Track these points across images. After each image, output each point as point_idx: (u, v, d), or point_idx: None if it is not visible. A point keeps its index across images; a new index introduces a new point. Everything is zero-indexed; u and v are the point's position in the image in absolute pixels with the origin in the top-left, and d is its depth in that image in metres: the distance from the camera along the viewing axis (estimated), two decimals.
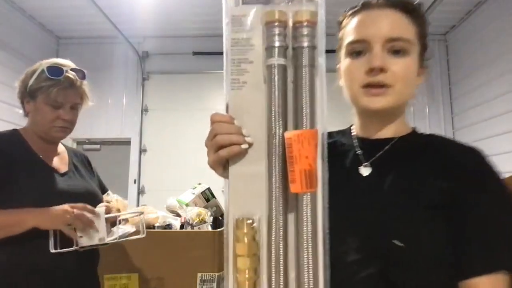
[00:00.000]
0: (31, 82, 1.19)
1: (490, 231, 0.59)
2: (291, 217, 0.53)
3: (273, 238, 0.51)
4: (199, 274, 1.58)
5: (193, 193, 1.93)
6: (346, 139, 0.76)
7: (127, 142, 4.27)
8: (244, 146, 0.53)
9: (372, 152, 0.70)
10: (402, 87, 0.65)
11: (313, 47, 0.54)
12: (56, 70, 1.17)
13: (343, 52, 0.71)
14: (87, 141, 4.17)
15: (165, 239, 1.63)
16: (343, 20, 0.73)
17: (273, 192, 0.52)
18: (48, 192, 1.11)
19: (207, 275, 1.57)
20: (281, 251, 0.51)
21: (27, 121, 1.24)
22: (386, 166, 0.67)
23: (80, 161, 1.32)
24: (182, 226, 1.73)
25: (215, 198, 1.95)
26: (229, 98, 0.57)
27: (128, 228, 1.14)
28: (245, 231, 0.52)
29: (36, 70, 1.20)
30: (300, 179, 0.50)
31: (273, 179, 0.52)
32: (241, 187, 0.55)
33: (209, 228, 1.69)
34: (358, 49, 0.67)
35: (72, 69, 1.20)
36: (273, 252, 0.51)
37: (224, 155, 0.55)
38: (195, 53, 4.26)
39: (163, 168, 4.11)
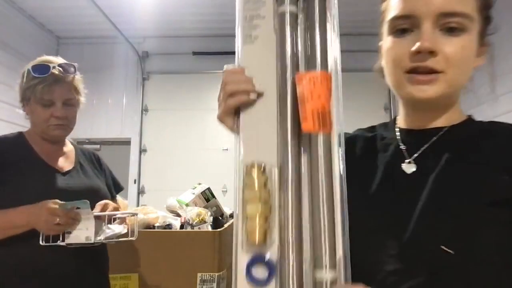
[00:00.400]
0: (23, 84, 1.18)
1: None
2: (304, 163, 0.49)
3: (286, 183, 0.48)
4: (199, 274, 1.57)
5: (193, 193, 1.93)
6: (388, 132, 0.66)
7: (127, 142, 4.27)
8: (252, 95, 0.50)
9: (417, 145, 0.60)
10: (456, 73, 0.55)
11: None
12: (40, 68, 1.15)
13: (385, 28, 0.62)
14: (87, 141, 4.17)
15: (165, 239, 1.63)
16: None
17: (285, 136, 0.49)
18: (45, 192, 1.09)
19: (207, 275, 1.57)
20: (294, 196, 0.47)
21: (31, 126, 1.25)
22: (433, 161, 0.57)
23: (88, 159, 1.32)
24: (182, 226, 1.73)
25: (215, 198, 1.95)
26: (241, 53, 0.56)
27: (120, 229, 1.11)
28: (256, 176, 0.48)
29: (25, 71, 1.19)
30: (312, 118, 0.47)
31: (285, 123, 0.49)
32: (252, 136, 0.52)
33: (209, 228, 1.69)
34: (403, 26, 0.57)
35: (60, 64, 1.17)
36: (289, 195, 0.47)
37: (232, 103, 0.52)
38: (195, 53, 4.26)
39: (163, 168, 4.11)
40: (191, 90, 4.25)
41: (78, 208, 1.05)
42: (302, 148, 0.50)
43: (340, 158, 0.48)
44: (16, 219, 1.04)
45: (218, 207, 1.93)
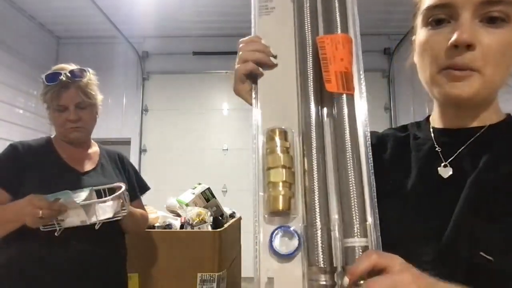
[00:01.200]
0: (41, 94, 1.25)
1: None
2: (327, 127, 0.48)
3: (311, 148, 0.45)
4: (199, 274, 1.58)
5: (193, 193, 1.93)
6: (421, 132, 0.62)
7: (127, 142, 4.27)
8: (268, 59, 0.50)
9: (453, 146, 0.55)
10: (494, 72, 0.50)
11: None
12: (52, 76, 1.21)
13: (419, 19, 0.56)
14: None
15: (165, 239, 1.63)
16: None
17: (308, 99, 0.48)
18: (60, 190, 1.14)
19: (207, 275, 1.57)
20: (320, 159, 0.45)
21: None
22: (470, 164, 0.53)
23: (112, 160, 1.37)
24: (182, 226, 1.73)
25: (215, 198, 1.95)
26: (257, 24, 0.56)
27: (113, 208, 1.13)
28: (278, 141, 0.47)
29: (43, 79, 1.25)
30: (336, 79, 0.46)
31: (308, 85, 0.48)
32: (272, 102, 0.51)
33: (209, 228, 1.69)
34: (439, 16, 0.52)
35: (71, 70, 1.23)
36: (314, 160, 0.45)
37: (246, 68, 0.50)
38: (195, 53, 4.27)
39: (163, 168, 4.11)
40: (191, 90, 4.25)
41: (59, 199, 1.07)
42: (324, 112, 0.49)
43: (365, 119, 0.47)
44: (7, 214, 1.09)
45: (218, 207, 1.93)
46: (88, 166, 1.28)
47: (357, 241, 0.41)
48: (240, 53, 0.51)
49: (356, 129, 0.46)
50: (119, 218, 1.15)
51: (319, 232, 0.42)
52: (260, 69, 0.51)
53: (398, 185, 0.56)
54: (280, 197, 0.44)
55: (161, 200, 1.94)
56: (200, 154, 4.12)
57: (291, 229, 0.43)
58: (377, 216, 0.43)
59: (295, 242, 0.43)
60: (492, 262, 0.46)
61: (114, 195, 1.16)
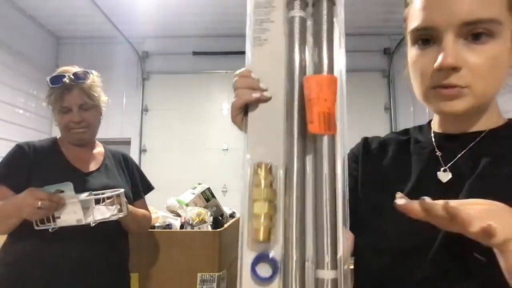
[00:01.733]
0: (46, 96, 1.27)
1: None
2: (309, 165, 0.51)
3: (291, 183, 0.50)
4: (199, 274, 1.58)
5: (193, 193, 1.93)
6: (423, 136, 0.64)
7: (127, 142, 4.27)
8: (254, 94, 0.51)
9: (453, 151, 0.57)
10: (483, 85, 0.51)
11: (332, 2, 0.54)
12: (55, 79, 1.23)
13: (408, 37, 0.58)
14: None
15: (165, 239, 1.63)
16: None
17: (291, 137, 0.51)
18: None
19: (207, 275, 1.57)
20: (298, 196, 0.49)
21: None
22: (470, 168, 0.54)
23: (116, 161, 1.39)
24: (182, 226, 1.73)
25: (215, 198, 1.95)
26: (250, 54, 0.58)
27: (111, 211, 1.14)
28: (263, 175, 0.50)
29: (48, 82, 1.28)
30: (319, 120, 0.49)
31: (292, 125, 0.52)
32: (260, 136, 0.54)
33: (209, 228, 1.69)
34: (425, 37, 0.54)
35: (74, 73, 1.25)
36: (294, 196, 0.49)
37: (237, 103, 0.53)
38: (195, 53, 4.27)
39: (163, 168, 4.11)
40: (191, 90, 4.25)
41: (62, 191, 1.08)
42: (307, 149, 0.52)
43: (344, 160, 0.50)
44: (7, 208, 1.10)
45: (218, 207, 1.93)
46: (92, 167, 1.30)
47: (326, 273, 0.46)
48: (235, 88, 0.54)
49: (335, 167, 0.50)
50: (114, 219, 1.15)
51: (294, 262, 0.47)
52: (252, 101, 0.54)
53: (398, 188, 0.56)
54: (261, 229, 0.48)
55: (161, 200, 1.94)
56: (200, 154, 4.12)
57: (270, 256, 0.48)
58: (348, 250, 0.46)
59: (273, 268, 0.48)
60: (483, 263, 0.46)
61: (111, 192, 1.16)
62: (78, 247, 1.15)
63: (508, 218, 0.40)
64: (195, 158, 4.11)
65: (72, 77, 1.23)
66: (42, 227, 1.08)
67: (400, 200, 0.42)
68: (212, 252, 1.59)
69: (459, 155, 0.56)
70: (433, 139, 0.60)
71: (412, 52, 0.57)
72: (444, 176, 0.55)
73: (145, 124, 4.33)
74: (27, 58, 3.81)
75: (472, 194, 0.49)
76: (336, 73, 0.52)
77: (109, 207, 1.15)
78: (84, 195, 1.13)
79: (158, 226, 1.72)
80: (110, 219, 1.13)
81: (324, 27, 0.54)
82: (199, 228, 1.69)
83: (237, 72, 0.55)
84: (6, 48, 3.54)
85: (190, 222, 1.73)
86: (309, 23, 0.56)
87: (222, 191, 3.88)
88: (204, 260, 1.58)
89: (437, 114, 0.60)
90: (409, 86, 0.61)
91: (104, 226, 1.14)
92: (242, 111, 0.53)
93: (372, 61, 4.20)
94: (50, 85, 1.23)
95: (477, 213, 0.39)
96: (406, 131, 0.68)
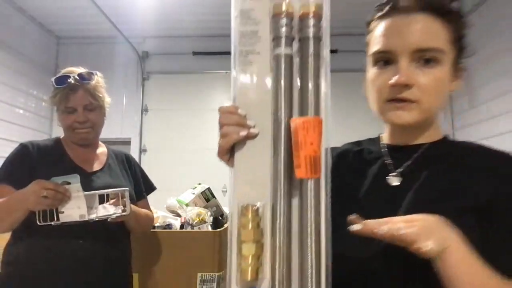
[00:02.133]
0: (50, 97, 1.28)
1: None
2: (295, 205, 0.53)
3: (277, 225, 0.52)
4: (199, 274, 1.58)
5: (193, 193, 1.93)
6: (375, 147, 0.73)
7: (127, 142, 4.27)
8: (242, 133, 0.53)
9: (401, 160, 0.67)
10: (430, 101, 0.62)
11: (318, 38, 0.55)
12: (60, 79, 1.24)
13: (369, 60, 0.67)
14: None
15: (165, 239, 1.63)
16: (370, 21, 0.69)
17: (278, 179, 0.53)
18: None
19: (207, 275, 1.57)
20: (284, 237, 0.52)
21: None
22: (415, 175, 0.64)
23: (119, 161, 1.40)
24: (182, 226, 1.73)
25: (215, 198, 1.95)
26: (237, 88, 0.58)
27: (114, 210, 1.14)
28: (250, 217, 0.52)
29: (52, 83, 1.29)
30: (305, 165, 0.50)
31: (278, 165, 0.53)
32: (246, 175, 0.55)
33: (209, 228, 1.69)
34: (384, 59, 0.64)
35: (79, 74, 1.26)
36: (277, 238, 0.52)
37: (225, 144, 0.55)
38: (195, 53, 4.26)
39: (163, 168, 4.10)
40: (191, 90, 4.25)
41: (69, 183, 1.08)
42: (293, 190, 0.54)
43: (328, 202, 0.53)
44: (12, 201, 1.11)
45: (218, 207, 1.93)
46: (96, 167, 1.31)
47: None
48: (221, 126, 0.56)
49: (319, 210, 0.52)
50: (117, 216, 1.16)
51: None
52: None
53: (354, 194, 0.67)
54: (249, 270, 0.51)
55: (161, 200, 1.94)
56: (200, 154, 4.12)
57: None
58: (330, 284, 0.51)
59: None
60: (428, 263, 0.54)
61: (116, 190, 1.17)
62: (81, 245, 1.16)
63: (441, 232, 0.51)
64: (195, 158, 4.11)
65: (77, 77, 1.24)
66: (44, 223, 1.08)
67: (353, 227, 0.51)
68: (212, 252, 1.59)
69: (406, 164, 0.66)
70: (383, 150, 0.71)
71: (371, 71, 0.66)
72: (393, 180, 0.66)
73: (145, 124, 4.33)
74: (27, 58, 3.81)
75: (417, 196, 0.62)
76: (322, 112, 0.54)
77: (112, 202, 1.15)
78: (88, 193, 1.13)
79: (158, 226, 1.72)
80: (113, 216, 1.14)
81: (310, 65, 0.55)
82: (199, 228, 1.69)
83: (223, 108, 0.57)
84: (6, 48, 3.54)
85: (190, 222, 1.73)
86: (295, 59, 0.56)
87: (222, 191, 3.87)
88: (204, 260, 1.58)
89: (390, 125, 0.70)
90: (367, 102, 0.69)
91: (107, 225, 1.14)
92: (230, 150, 0.55)
93: None
94: (55, 86, 1.24)
95: (415, 233, 0.50)
96: (359, 143, 0.78)
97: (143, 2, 3.57)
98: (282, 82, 0.55)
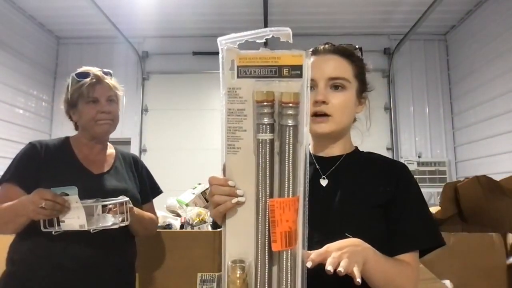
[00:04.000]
0: (69, 93, 1.29)
1: (411, 223, 0.81)
2: (275, 268, 0.63)
3: (258, 286, 0.62)
4: (199, 274, 1.58)
5: (193, 193, 1.93)
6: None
7: (127, 142, 4.27)
8: (234, 200, 0.64)
9: (326, 167, 0.88)
10: (341, 116, 0.84)
11: (296, 126, 0.61)
12: (82, 73, 1.28)
13: None
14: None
15: (165, 239, 1.63)
16: None
17: (259, 247, 0.62)
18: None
19: (207, 275, 1.57)
20: None
21: (78, 131, 1.34)
22: (338, 178, 0.86)
23: (127, 163, 1.40)
24: (182, 226, 1.73)
25: None
26: (226, 161, 0.65)
27: (113, 220, 1.14)
28: (237, 275, 0.61)
29: (69, 81, 1.31)
30: (281, 239, 0.59)
31: (259, 235, 0.62)
32: (235, 236, 0.64)
33: (209, 228, 1.69)
34: (311, 85, 0.81)
35: (102, 70, 1.31)
36: None
37: (217, 213, 0.66)
38: (195, 53, 4.27)
39: (163, 168, 4.09)
40: (191, 90, 4.25)
41: (66, 194, 1.08)
42: (273, 255, 0.63)
43: (304, 272, 0.63)
44: (16, 206, 1.10)
45: None
46: (103, 168, 1.30)
47: None
48: (212, 196, 0.67)
49: (296, 273, 0.61)
50: (116, 227, 1.15)
51: None
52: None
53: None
54: None
55: (161, 200, 1.94)
56: (200, 154, 4.12)
57: None
58: None
59: None
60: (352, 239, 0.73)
61: (115, 200, 1.16)
62: (83, 247, 1.16)
63: (361, 252, 0.68)
64: (195, 158, 4.11)
65: (101, 72, 1.29)
66: (47, 230, 1.09)
67: (309, 263, 0.63)
68: (212, 252, 1.59)
69: (331, 169, 0.87)
70: (314, 159, 0.90)
71: None
72: (323, 182, 0.86)
73: (145, 124, 4.34)
74: (27, 58, 3.81)
75: (341, 196, 0.83)
76: (299, 192, 0.62)
77: (114, 215, 1.15)
78: (89, 201, 1.13)
79: (158, 226, 1.72)
80: (112, 227, 1.14)
81: (289, 152, 0.61)
82: (199, 228, 1.69)
83: (215, 179, 0.68)
84: (6, 48, 3.54)
85: (190, 222, 1.73)
86: (276, 142, 0.63)
87: None
88: (204, 260, 1.58)
89: (312, 135, 0.89)
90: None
91: (113, 230, 1.14)
92: (223, 215, 0.67)
93: (372, 61, 4.16)
94: (77, 79, 1.26)
95: (347, 266, 0.63)
96: None
97: (143, 2, 3.57)
98: (262, 166, 0.62)
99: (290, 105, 0.61)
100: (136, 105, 4.32)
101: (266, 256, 0.62)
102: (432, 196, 4.01)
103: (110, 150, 1.39)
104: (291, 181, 0.62)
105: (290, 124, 0.61)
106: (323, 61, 0.86)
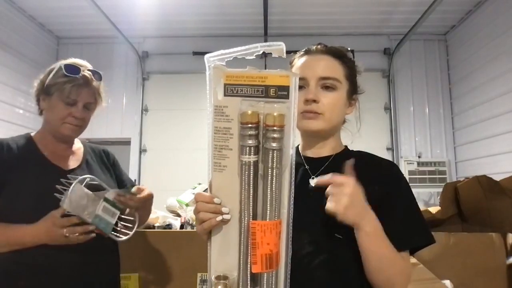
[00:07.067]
0: (48, 79, 1.21)
1: (400, 221, 0.81)
2: (257, 285, 0.64)
3: None
4: (199, 274, 1.58)
5: (193, 193, 1.93)
6: (297, 156, 0.91)
7: (127, 142, 4.27)
8: (218, 218, 0.65)
9: (316, 167, 0.88)
10: (331, 115, 0.85)
11: (280, 149, 0.61)
12: (73, 68, 1.20)
13: None
14: (87, 141, 4.16)
15: (165, 239, 1.63)
16: (293, 60, 0.92)
17: (241, 267, 0.63)
18: (46, 190, 1.10)
19: (207, 275, 1.57)
20: None
21: (42, 120, 1.27)
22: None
23: (98, 157, 1.34)
24: (182, 226, 1.73)
25: None
26: (212, 179, 0.65)
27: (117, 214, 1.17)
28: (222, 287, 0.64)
29: (54, 68, 1.23)
30: (261, 262, 0.59)
31: (241, 255, 0.63)
32: (220, 253, 0.66)
33: None
34: (300, 84, 0.80)
35: (89, 70, 1.23)
36: None
37: (202, 230, 0.68)
38: (195, 53, 4.27)
39: (163, 168, 4.11)
40: (191, 90, 4.25)
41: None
42: (255, 276, 0.63)
43: (286, 276, 0.63)
44: (25, 238, 1.07)
45: None
46: (73, 164, 1.24)
47: None
48: (198, 213, 0.68)
49: None
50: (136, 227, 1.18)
51: None
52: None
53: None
54: None
55: (161, 200, 1.94)
56: (200, 154, 4.11)
57: None
58: None
59: None
60: (341, 239, 0.77)
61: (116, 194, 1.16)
62: (65, 252, 1.10)
63: (361, 207, 0.71)
64: (195, 158, 4.11)
65: (91, 74, 1.21)
66: (119, 238, 1.14)
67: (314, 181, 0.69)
68: None
69: (321, 169, 0.87)
70: (303, 160, 0.91)
71: None
72: (313, 182, 0.86)
73: (145, 124, 4.33)
74: (27, 58, 3.81)
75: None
76: (282, 215, 0.62)
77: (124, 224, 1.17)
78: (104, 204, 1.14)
79: (158, 226, 1.72)
80: (108, 235, 1.13)
81: (272, 175, 0.61)
82: None
83: (201, 197, 0.68)
84: (6, 48, 3.54)
85: (190, 222, 1.73)
86: (260, 164, 0.62)
87: None
88: (204, 260, 1.57)
89: (302, 132, 0.90)
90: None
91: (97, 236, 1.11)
92: (208, 232, 0.69)
93: (372, 61, 4.20)
94: (66, 73, 1.19)
95: (344, 203, 0.69)
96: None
97: (143, 2, 3.57)
98: (245, 187, 0.62)
99: (275, 128, 0.60)
100: (136, 105, 4.32)
101: (249, 276, 0.62)
102: (432, 196, 4.01)
103: (78, 144, 1.32)
104: (274, 205, 0.61)
105: (274, 148, 0.60)
106: (314, 61, 0.87)
